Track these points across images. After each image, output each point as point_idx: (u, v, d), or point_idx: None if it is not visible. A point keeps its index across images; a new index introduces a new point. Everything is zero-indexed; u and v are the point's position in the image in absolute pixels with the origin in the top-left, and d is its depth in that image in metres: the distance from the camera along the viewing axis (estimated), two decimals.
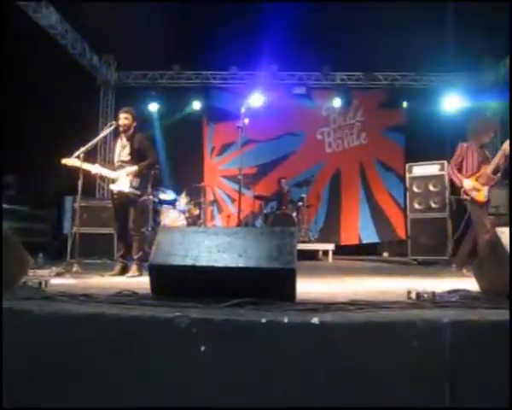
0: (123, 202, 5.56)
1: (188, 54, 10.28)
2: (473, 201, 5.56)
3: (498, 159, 5.50)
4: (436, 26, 8.20)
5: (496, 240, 2.73)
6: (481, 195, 5.51)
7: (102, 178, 5.86)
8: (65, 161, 5.43)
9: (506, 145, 5.47)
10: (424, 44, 8.76)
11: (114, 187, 5.57)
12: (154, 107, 11.32)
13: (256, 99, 10.72)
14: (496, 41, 8.90)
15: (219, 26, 8.74)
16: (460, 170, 5.70)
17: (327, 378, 1.91)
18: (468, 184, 5.55)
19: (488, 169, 5.51)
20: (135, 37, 8.21)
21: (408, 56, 9.69)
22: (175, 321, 1.98)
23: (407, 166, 8.72)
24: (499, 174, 5.59)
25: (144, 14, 7.88)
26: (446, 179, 8.13)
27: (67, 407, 1.98)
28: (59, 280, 4.35)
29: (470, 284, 3.09)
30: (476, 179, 5.55)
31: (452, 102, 10.98)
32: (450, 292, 2.89)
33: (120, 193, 5.51)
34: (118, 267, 5.54)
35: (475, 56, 10.29)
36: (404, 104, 11.40)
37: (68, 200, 9.03)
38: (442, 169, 8.22)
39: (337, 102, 11.66)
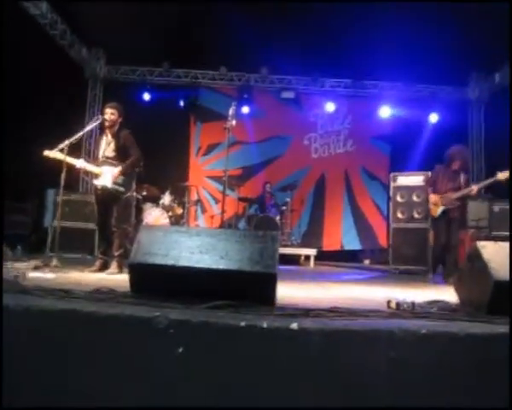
0: (106, 198, 5.50)
1: (178, 52, 10.23)
2: (429, 212, 6.51)
3: (467, 191, 6.21)
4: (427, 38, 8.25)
5: (476, 253, 2.74)
6: (435, 211, 6.30)
7: (86, 172, 5.78)
8: (47, 153, 5.33)
9: (475, 187, 6.22)
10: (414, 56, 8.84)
11: (98, 182, 5.50)
12: (142, 102, 11.22)
13: (244, 108, 11.11)
14: (484, 56, 9.00)
15: (211, 26, 8.72)
16: (433, 187, 6.47)
17: (303, 383, 1.90)
18: (431, 198, 6.38)
19: (453, 195, 6.20)
20: (126, 31, 8.15)
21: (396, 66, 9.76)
22: (153, 321, 1.95)
23: (391, 175, 8.75)
24: (460, 202, 6.30)
25: (136, 10, 7.83)
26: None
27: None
28: (37, 274, 4.28)
29: (450, 295, 3.11)
30: (440, 198, 6.26)
31: (436, 115, 11.13)
32: (429, 303, 2.90)
33: (104, 189, 5.45)
34: (98, 263, 5.47)
35: (463, 71, 10.40)
36: (391, 113, 11.46)
37: (50, 193, 8.90)
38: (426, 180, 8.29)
39: (325, 108, 11.70)
